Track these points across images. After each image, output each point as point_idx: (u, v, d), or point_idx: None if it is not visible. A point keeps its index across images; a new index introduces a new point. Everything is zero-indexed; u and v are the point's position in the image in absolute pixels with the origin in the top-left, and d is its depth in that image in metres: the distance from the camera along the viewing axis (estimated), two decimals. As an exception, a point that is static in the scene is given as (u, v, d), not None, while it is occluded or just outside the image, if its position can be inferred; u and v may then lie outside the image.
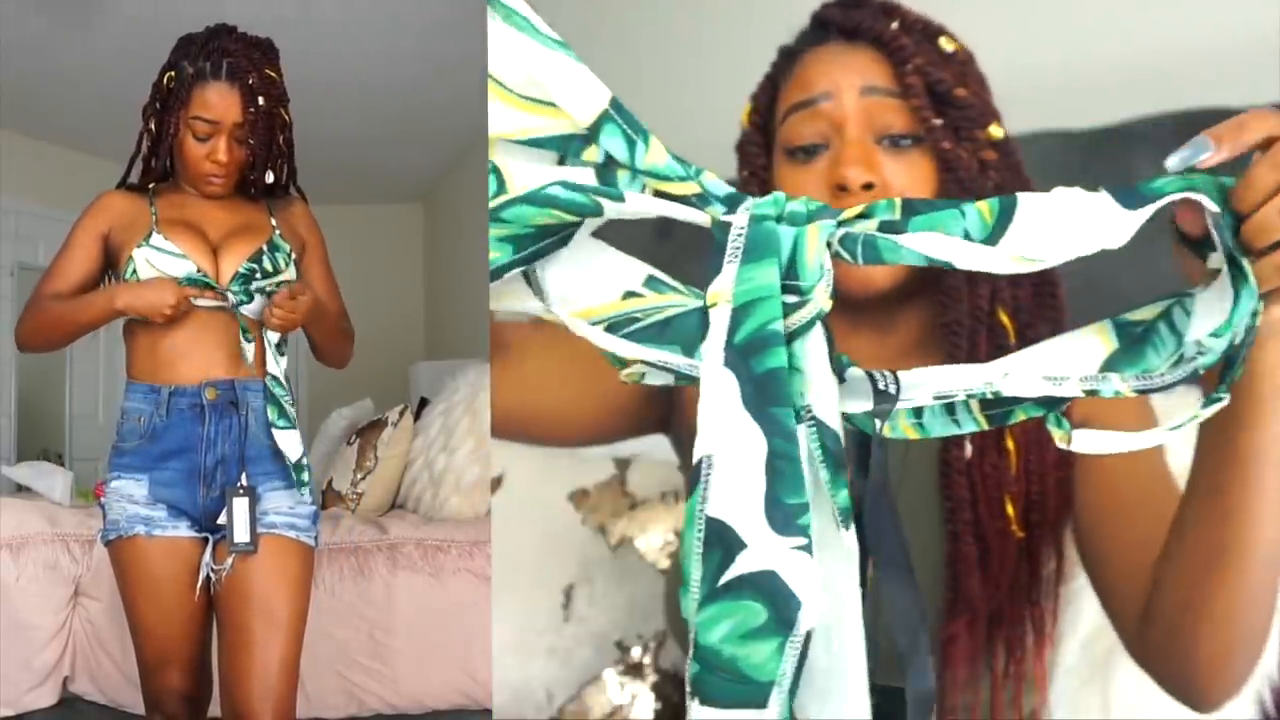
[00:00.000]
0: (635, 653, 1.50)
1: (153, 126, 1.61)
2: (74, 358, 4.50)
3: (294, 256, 1.64)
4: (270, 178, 1.63)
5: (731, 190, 0.66)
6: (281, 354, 1.58)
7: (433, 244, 5.23)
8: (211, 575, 1.54)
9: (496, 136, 0.70)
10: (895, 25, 1.04)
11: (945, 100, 1.01)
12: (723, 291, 0.62)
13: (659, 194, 0.68)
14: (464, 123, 3.81)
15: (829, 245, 0.64)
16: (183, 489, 1.55)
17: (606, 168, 0.68)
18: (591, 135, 0.66)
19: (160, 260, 1.54)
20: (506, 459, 1.89)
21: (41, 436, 4.52)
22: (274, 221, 1.64)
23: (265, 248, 1.59)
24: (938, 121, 1.00)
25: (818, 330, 0.63)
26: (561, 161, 0.70)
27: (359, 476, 2.93)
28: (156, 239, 1.55)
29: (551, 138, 0.68)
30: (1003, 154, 1.04)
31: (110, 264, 1.62)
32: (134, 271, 1.55)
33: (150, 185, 1.64)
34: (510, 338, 1.12)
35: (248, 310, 1.55)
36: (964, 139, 1.01)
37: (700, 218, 0.66)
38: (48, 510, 2.37)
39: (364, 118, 3.95)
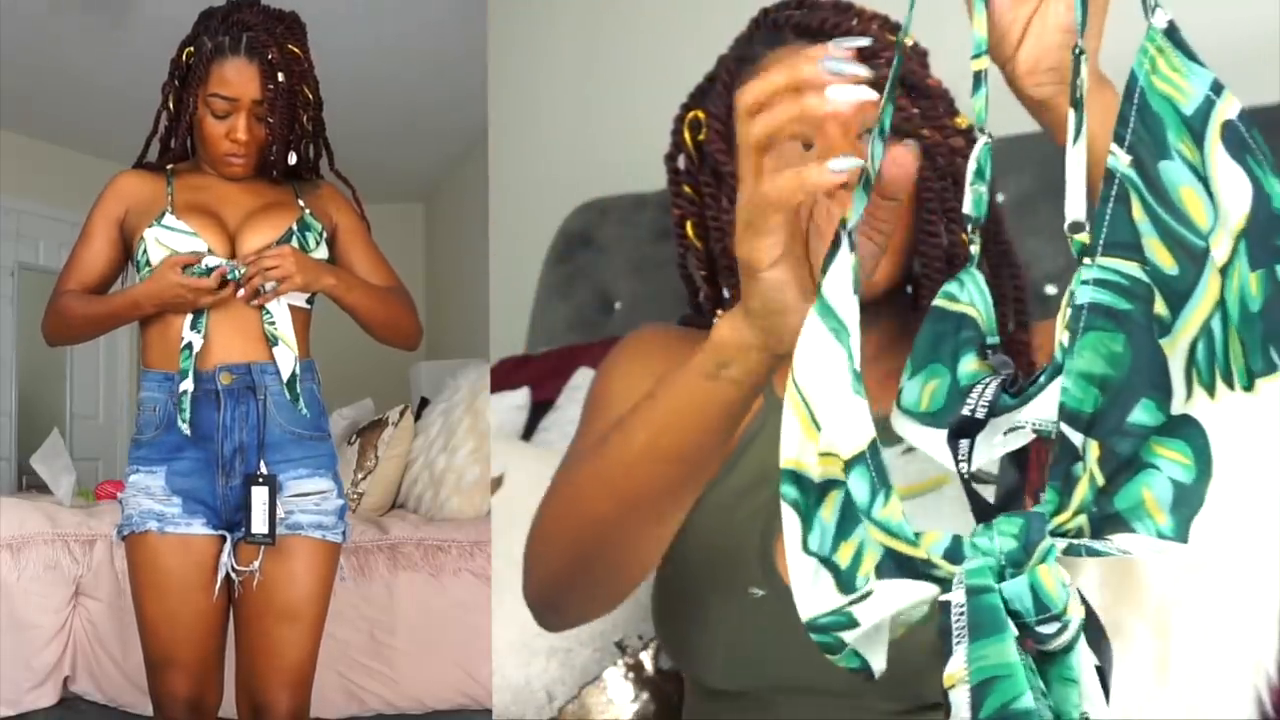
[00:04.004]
0: (635, 653, 1.50)
1: (171, 104, 1.57)
2: (74, 358, 4.49)
3: (325, 236, 1.59)
4: (293, 159, 1.58)
5: (948, 545, 0.63)
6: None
7: (433, 244, 5.23)
8: (233, 575, 1.50)
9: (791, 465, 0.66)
10: (855, 23, 1.04)
11: (917, 90, 1.03)
12: (958, 673, 0.61)
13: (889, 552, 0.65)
14: (466, 121, 3.79)
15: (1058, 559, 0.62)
16: (200, 478, 1.51)
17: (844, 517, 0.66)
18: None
19: (171, 239, 1.50)
20: (506, 459, 1.89)
21: (41, 436, 4.49)
22: (301, 202, 1.59)
23: (295, 226, 1.54)
24: (915, 111, 1.01)
25: (1082, 640, 0.63)
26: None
27: (360, 476, 2.93)
28: (169, 219, 1.51)
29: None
30: (968, 140, 1.05)
31: (127, 248, 1.57)
32: (145, 252, 1.51)
33: (169, 166, 1.60)
34: None
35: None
36: (936, 126, 1.03)
37: (928, 592, 0.64)
38: (48, 510, 2.37)
39: (364, 116, 3.93)
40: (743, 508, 1.05)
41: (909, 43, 1.08)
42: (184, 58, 1.55)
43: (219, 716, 1.59)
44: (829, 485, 0.65)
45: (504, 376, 2.30)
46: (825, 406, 0.65)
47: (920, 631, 0.94)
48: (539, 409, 2.20)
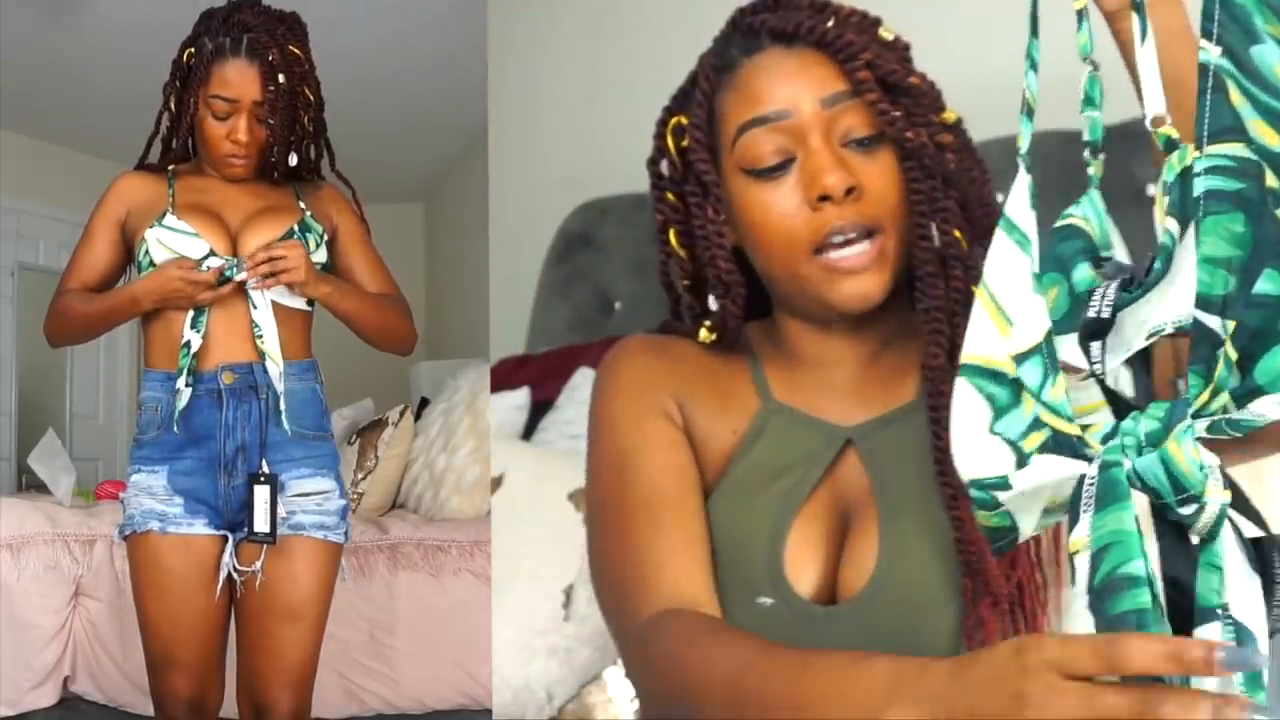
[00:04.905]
0: (635, 652, 1.50)
1: (172, 105, 1.57)
2: (74, 358, 4.50)
3: (325, 238, 1.59)
4: (294, 160, 1.58)
5: (1107, 431, 0.69)
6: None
7: (433, 244, 5.23)
8: (235, 576, 1.50)
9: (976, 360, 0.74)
10: (831, 23, 1.01)
11: (899, 90, 1.00)
12: (1081, 540, 0.66)
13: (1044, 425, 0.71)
14: (466, 121, 3.79)
15: (1199, 441, 0.65)
16: (202, 478, 1.51)
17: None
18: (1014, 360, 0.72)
19: (173, 240, 1.50)
20: (506, 459, 1.89)
21: (42, 436, 4.51)
22: (302, 205, 1.59)
23: (296, 228, 1.54)
24: (896, 113, 0.99)
25: (1228, 530, 0.65)
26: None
27: (359, 476, 2.93)
28: (170, 219, 1.51)
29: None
30: (957, 135, 1.03)
31: (129, 249, 1.58)
32: (146, 253, 1.51)
33: (170, 167, 1.60)
34: None
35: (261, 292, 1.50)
36: (921, 125, 0.99)
37: (1077, 469, 0.69)
38: (48, 510, 2.37)
39: (364, 116, 3.94)
40: (746, 515, 1.03)
41: (889, 37, 1.04)
42: (185, 58, 1.55)
43: (220, 716, 1.59)
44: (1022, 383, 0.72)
45: (504, 376, 2.30)
46: (1013, 306, 0.72)
47: (928, 633, 0.94)
48: (539, 409, 2.20)
